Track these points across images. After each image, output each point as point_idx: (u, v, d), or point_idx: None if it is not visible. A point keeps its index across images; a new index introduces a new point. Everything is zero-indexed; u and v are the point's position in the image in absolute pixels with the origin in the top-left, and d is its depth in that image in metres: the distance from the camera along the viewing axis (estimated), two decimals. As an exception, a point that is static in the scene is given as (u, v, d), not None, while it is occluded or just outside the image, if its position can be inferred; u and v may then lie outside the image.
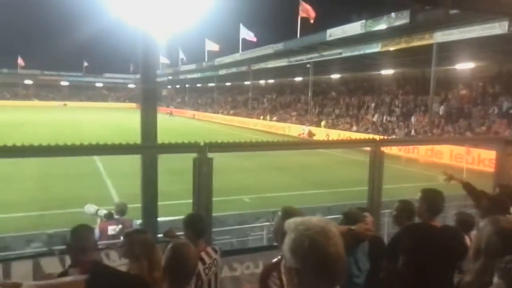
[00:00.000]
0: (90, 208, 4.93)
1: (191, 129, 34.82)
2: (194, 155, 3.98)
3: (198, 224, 3.27)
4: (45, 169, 14.24)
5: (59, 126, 34.07)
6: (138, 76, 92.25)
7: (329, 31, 30.43)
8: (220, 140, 4.16)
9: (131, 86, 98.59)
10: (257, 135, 32.86)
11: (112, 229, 4.78)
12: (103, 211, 4.98)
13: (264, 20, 59.59)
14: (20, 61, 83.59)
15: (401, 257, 3.05)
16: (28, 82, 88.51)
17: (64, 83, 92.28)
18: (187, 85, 73.33)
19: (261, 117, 42.62)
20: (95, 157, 16.15)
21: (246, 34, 43.51)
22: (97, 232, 4.81)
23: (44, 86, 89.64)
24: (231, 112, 51.29)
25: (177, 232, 3.74)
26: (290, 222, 1.33)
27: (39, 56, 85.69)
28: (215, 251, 3.34)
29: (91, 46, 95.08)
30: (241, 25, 43.88)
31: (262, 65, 43.74)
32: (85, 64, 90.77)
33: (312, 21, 34.03)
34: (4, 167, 13.42)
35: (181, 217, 6.30)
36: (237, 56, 47.18)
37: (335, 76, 40.73)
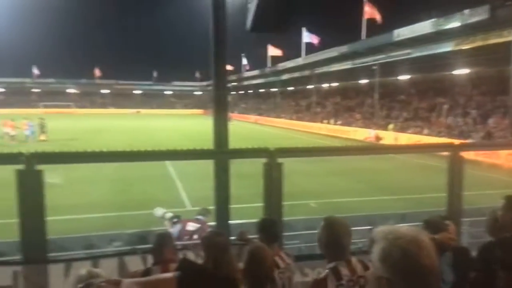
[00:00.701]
0: (159, 211, 5.24)
1: (253, 134, 35.29)
2: (263, 160, 4.05)
3: (272, 228, 3.31)
4: (122, 172, 15.24)
5: (134, 133, 36.27)
6: (204, 83, 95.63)
7: (396, 31, 29.37)
8: (284, 144, 4.19)
9: (197, 93, 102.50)
10: (322, 139, 32.46)
11: (191, 225, 5.02)
12: (169, 214, 5.27)
13: (326, 23, 58.87)
14: (97, 71, 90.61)
15: (494, 270, 2.83)
16: (104, 91, 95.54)
17: (136, 91, 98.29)
18: (250, 91, 74.61)
19: (325, 121, 42.05)
20: (167, 162, 16.99)
21: (309, 37, 43.29)
22: (178, 226, 5.12)
23: (119, 95, 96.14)
24: (294, 116, 51.22)
25: (249, 235, 3.83)
26: (378, 231, 1.30)
27: (114, 66, 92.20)
28: (288, 255, 3.35)
29: (161, 55, 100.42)
30: (303, 29, 43.75)
31: (326, 69, 43.23)
32: (155, 73, 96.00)
33: (378, 22, 33.04)
34: (85, 171, 14.55)
35: (251, 220, 6.42)
36: (299, 61, 47.11)
37: (403, 77, 39.08)
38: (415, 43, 28.52)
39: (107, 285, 0.95)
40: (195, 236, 5.13)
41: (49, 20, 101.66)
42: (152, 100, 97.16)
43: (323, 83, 51.92)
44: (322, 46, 43.09)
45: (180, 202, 11.81)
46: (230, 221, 4.26)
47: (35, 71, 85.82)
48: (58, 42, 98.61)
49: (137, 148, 4.21)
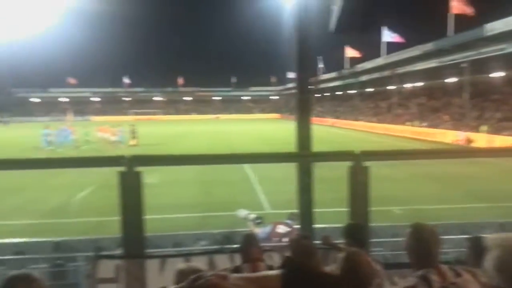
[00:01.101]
0: (242, 212, 5.38)
1: (331, 137, 34.65)
2: (347, 163, 3.97)
3: (360, 233, 3.24)
4: (204, 175, 15.97)
5: (214, 137, 37.74)
6: (279, 88, 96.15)
7: (488, 25, 26.98)
8: (365, 148, 4.05)
9: (274, 97, 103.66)
10: (405, 142, 30.87)
11: (281, 228, 5.13)
12: (252, 215, 5.40)
13: (408, 21, 55.98)
14: (180, 80, 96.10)
15: None
16: (187, 98, 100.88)
17: (216, 98, 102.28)
18: (326, 94, 73.58)
19: (409, 123, 39.94)
20: (244, 165, 17.44)
21: (389, 36, 41.54)
22: (268, 228, 5.27)
23: (200, 101, 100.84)
24: (374, 119, 49.40)
25: (333, 240, 3.78)
26: (491, 239, 1.22)
27: (196, 75, 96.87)
28: (377, 262, 3.25)
29: (239, 62, 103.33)
30: (383, 28, 42.11)
31: (408, 68, 41.12)
32: (233, 79, 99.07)
33: (469, 16, 30.60)
34: (172, 174, 15.49)
35: (333, 225, 6.33)
36: (380, 61, 45.41)
37: (497, 75, 35.73)
38: (510, 37, 25.98)
39: (216, 278, 1.01)
40: (285, 239, 5.21)
41: (138, 32, 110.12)
42: (230, 105, 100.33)
43: (405, 83, 49.44)
44: (404, 45, 41.12)
45: (259, 205, 12.01)
46: (314, 225, 4.24)
47: (126, 81, 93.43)
48: (146, 53, 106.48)
49: (218, 152, 4.39)
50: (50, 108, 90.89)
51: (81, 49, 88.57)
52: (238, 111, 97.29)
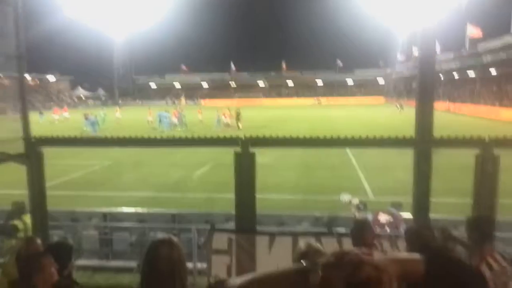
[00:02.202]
0: (345, 197, 5.26)
1: (446, 123, 31.77)
2: (474, 151, 3.60)
3: (486, 227, 2.95)
4: (307, 159, 16.00)
5: (316, 121, 37.48)
6: (387, 71, 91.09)
7: None
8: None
9: (380, 80, 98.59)
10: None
11: (383, 217, 4.95)
12: (356, 200, 5.23)
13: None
14: (283, 65, 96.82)
15: None
16: (290, 82, 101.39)
17: (319, 82, 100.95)
18: (441, 77, 67.46)
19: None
20: (347, 150, 17.02)
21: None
22: (370, 215, 5.13)
23: (303, 86, 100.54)
24: (497, 104, 44.01)
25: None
26: None
27: (300, 58, 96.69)
28: (504, 258, 2.93)
29: (344, 43, 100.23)
30: (514, 0, 36.90)
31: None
32: (339, 62, 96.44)
33: None
34: (272, 157, 15.81)
35: (454, 217, 5.86)
36: (509, 39, 40.06)
37: None
38: None
39: (364, 255, 0.98)
40: (387, 229, 5.00)
41: (243, 20, 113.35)
42: (333, 90, 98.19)
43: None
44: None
45: (362, 191, 11.66)
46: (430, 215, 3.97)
47: (232, 66, 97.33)
48: (251, 39, 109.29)
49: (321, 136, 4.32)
50: (166, 92, 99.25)
51: (192, 38, 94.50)
52: (341, 95, 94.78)
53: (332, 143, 3.89)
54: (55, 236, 6.97)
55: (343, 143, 3.86)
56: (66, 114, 41.98)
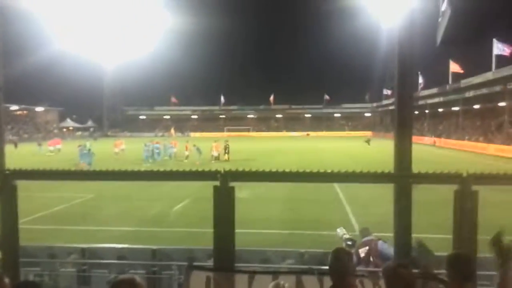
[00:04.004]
0: (340, 231, 5.16)
1: (431, 157, 32.19)
2: (451, 187, 3.60)
3: (466, 265, 2.89)
4: (292, 192, 15.91)
5: (304, 154, 37.63)
6: (373, 104, 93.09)
7: None
8: (472, 171, 3.60)
9: (367, 114, 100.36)
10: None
11: (362, 251, 4.88)
12: (346, 236, 5.15)
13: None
14: (271, 98, 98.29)
15: None
16: (278, 115, 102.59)
17: (307, 115, 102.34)
18: (425, 111, 68.99)
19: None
20: (335, 183, 17.02)
21: (501, 49, 37.77)
22: (355, 258, 5.02)
23: (291, 119, 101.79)
24: (480, 138, 44.91)
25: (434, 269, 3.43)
26: None
27: (288, 92, 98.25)
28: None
29: (331, 78, 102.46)
30: (494, 40, 38.45)
31: (523, 83, 36.88)
32: (326, 97, 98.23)
33: None
34: (259, 190, 15.69)
35: (439, 254, 5.79)
36: (489, 75, 41.43)
37: None
38: None
39: None
40: (372, 261, 4.91)
41: (232, 53, 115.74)
42: (321, 123, 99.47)
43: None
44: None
45: (349, 226, 11.55)
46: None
47: (222, 99, 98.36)
48: (240, 72, 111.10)
49: (307, 169, 4.29)
50: (155, 124, 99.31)
51: (183, 70, 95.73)
52: (329, 128, 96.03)
53: (312, 178, 3.86)
54: (31, 274, 6.68)
55: (323, 178, 3.83)
56: (59, 146, 41.67)
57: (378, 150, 39.95)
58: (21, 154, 36.10)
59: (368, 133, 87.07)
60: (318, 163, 26.73)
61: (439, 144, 50.86)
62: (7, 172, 4.42)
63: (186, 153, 31.83)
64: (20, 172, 4.39)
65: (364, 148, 45.83)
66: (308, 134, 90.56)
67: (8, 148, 5.43)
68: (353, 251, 5.10)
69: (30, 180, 4.41)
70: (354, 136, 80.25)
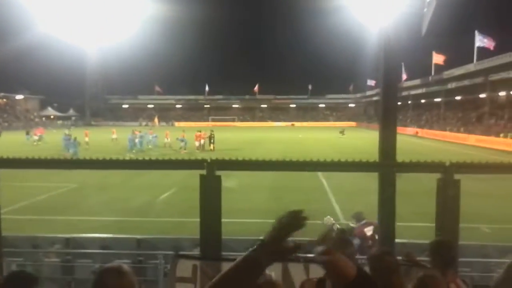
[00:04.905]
0: (328, 220, 5.20)
1: (414, 147, 32.72)
2: (434, 175, 3.68)
3: (448, 252, 2.97)
4: (278, 182, 16.00)
5: (289, 144, 37.80)
6: (357, 95, 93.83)
7: None
8: (454, 161, 3.69)
9: (351, 105, 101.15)
10: (501, 156, 28.17)
11: (368, 230, 4.96)
12: (337, 226, 5.19)
13: (503, 23, 51.29)
14: (256, 88, 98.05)
15: None
16: (263, 106, 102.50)
17: (292, 105, 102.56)
18: (408, 102, 69.96)
19: (503, 134, 36.44)
20: (318, 172, 17.17)
21: (482, 41, 38.38)
22: (357, 240, 5.13)
23: (276, 109, 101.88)
24: (462, 129, 45.83)
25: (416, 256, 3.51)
26: None
27: (273, 82, 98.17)
28: (465, 283, 2.96)
29: (316, 69, 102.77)
30: (476, 32, 39.03)
31: (504, 75, 37.58)
32: (310, 87, 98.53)
33: None
34: (245, 179, 15.71)
35: (416, 241, 5.93)
36: (470, 67, 42.13)
37: None
38: None
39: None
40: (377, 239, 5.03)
41: (217, 42, 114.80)
42: (306, 113, 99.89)
43: (500, 91, 45.22)
44: (495, 51, 37.77)
45: (334, 215, 11.69)
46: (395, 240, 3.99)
47: (207, 88, 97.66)
48: (226, 61, 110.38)
49: (292, 159, 4.32)
50: (139, 113, 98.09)
51: (167, 59, 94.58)
52: (313, 119, 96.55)
53: (298, 167, 3.89)
54: (13, 264, 6.59)
55: (309, 167, 3.86)
56: (42, 134, 40.92)
57: (354, 139, 40.43)
58: (9, 144, 35.34)
59: (352, 124, 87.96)
60: (302, 153, 26.93)
61: (421, 134, 51.71)
62: (-13, 161, 4.32)
63: (166, 140, 31.95)
64: (1, 160, 4.29)
65: (342, 138, 46.39)
66: (293, 124, 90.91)
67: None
68: (355, 233, 5.20)
69: (13, 168, 4.32)
70: (339, 127, 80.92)
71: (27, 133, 39.76)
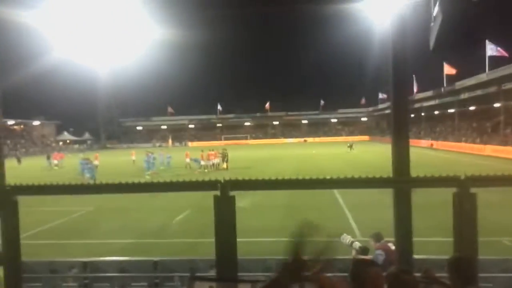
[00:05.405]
0: (346, 238, 5.11)
1: (429, 160, 32.28)
2: (451, 190, 3.64)
3: (468, 268, 2.92)
4: (291, 199, 15.90)
5: (301, 161, 37.66)
6: (369, 109, 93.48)
7: None
8: (470, 172, 3.65)
9: (363, 119, 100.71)
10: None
11: (392, 245, 4.88)
12: (357, 244, 5.09)
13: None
14: (267, 105, 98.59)
15: None
16: (275, 122, 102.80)
17: (304, 121, 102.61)
18: (421, 114, 69.32)
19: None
20: (335, 190, 17.02)
21: (494, 50, 38.08)
22: (383, 253, 5.04)
23: (288, 125, 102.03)
24: (477, 140, 45.11)
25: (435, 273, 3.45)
26: None
27: (283, 99, 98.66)
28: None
29: (327, 84, 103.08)
30: (487, 41, 38.80)
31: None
32: (322, 102, 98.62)
33: None
34: (258, 197, 15.65)
35: (435, 257, 5.81)
36: (483, 77, 41.73)
37: None
38: None
39: None
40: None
41: (228, 62, 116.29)
42: (318, 128, 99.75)
43: (514, 100, 44.58)
44: (508, 59, 37.41)
45: (351, 233, 11.54)
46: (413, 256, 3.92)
47: (219, 108, 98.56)
48: (237, 80, 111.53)
49: (307, 176, 4.32)
50: (152, 135, 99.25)
51: (179, 80, 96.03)
52: (326, 134, 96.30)
53: (312, 185, 3.89)
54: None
55: (323, 185, 3.86)
56: (62, 159, 41.76)
57: (363, 153, 40.02)
58: (31, 169, 36.02)
59: (365, 138, 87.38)
60: (315, 169, 26.78)
61: (436, 146, 51.02)
62: (7, 187, 4.42)
63: (187, 160, 32.06)
64: (21, 187, 4.39)
65: (351, 152, 46.14)
66: (305, 140, 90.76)
67: (10, 164, 5.45)
68: (380, 256, 5.11)
69: (31, 195, 4.42)
70: (351, 141, 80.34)
71: (48, 158, 40.65)
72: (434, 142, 53.86)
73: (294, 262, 1.31)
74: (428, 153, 42.24)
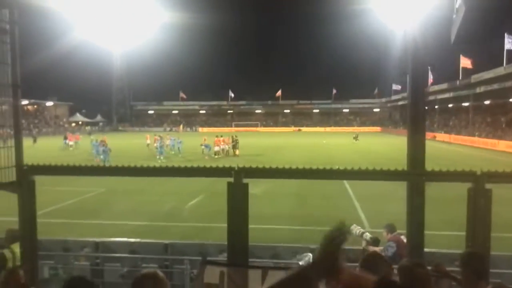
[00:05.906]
0: (356, 229, 5.10)
1: (442, 154, 31.91)
2: (466, 184, 3.61)
3: (480, 264, 2.91)
4: (302, 188, 15.93)
5: (311, 150, 37.55)
6: (382, 100, 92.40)
7: None
8: (483, 168, 3.60)
9: (376, 110, 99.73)
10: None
11: (404, 237, 4.90)
12: (368, 235, 5.08)
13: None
14: (279, 93, 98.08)
15: None
16: (286, 111, 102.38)
17: (315, 110, 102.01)
18: (436, 106, 68.38)
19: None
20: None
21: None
22: (394, 246, 5.10)
23: (299, 114, 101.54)
24: (490, 134, 44.43)
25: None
26: None
27: (295, 88, 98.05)
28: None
29: (339, 73, 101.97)
30: (506, 34, 37.91)
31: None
32: (334, 91, 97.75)
33: None
34: (270, 185, 15.71)
35: (445, 250, 5.80)
36: (501, 70, 40.89)
37: None
38: None
39: None
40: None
41: (241, 49, 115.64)
42: (330, 118, 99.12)
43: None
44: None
45: (359, 223, 11.55)
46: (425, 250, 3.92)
47: (231, 94, 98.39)
48: (249, 67, 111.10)
49: (316, 165, 4.31)
50: (164, 119, 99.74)
51: (191, 65, 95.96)
52: (337, 124, 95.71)
53: (325, 175, 3.89)
54: (45, 266, 6.83)
55: (336, 175, 3.86)
56: (78, 141, 42.31)
57: (369, 144, 39.74)
58: (47, 149, 36.56)
59: (377, 129, 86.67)
60: (325, 158, 26.72)
61: (449, 140, 50.36)
62: (25, 167, 4.51)
63: (217, 148, 31.19)
64: (38, 167, 4.48)
65: (356, 143, 46.02)
66: (299, 130, 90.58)
67: (26, 143, 5.56)
68: (391, 248, 5.15)
69: (48, 175, 4.50)
70: (363, 132, 79.88)
71: (65, 138, 41.31)
72: (446, 135, 53.14)
73: (326, 259, 1.32)
74: (440, 146, 41.77)
